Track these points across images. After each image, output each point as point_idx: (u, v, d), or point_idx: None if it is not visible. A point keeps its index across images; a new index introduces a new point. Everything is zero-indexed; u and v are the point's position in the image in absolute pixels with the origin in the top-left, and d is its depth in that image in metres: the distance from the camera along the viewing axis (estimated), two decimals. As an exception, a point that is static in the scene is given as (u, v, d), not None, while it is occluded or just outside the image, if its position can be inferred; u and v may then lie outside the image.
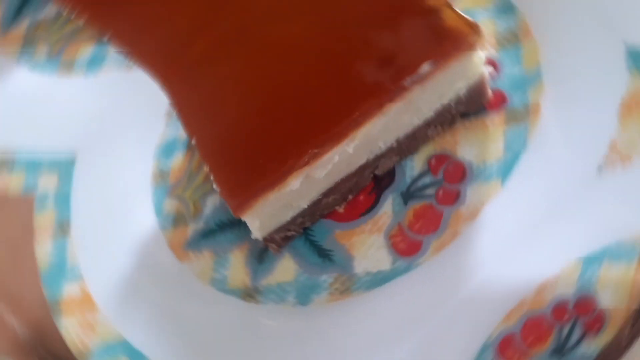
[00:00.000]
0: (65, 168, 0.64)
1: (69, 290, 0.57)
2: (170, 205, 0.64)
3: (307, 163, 0.48)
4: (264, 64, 0.51)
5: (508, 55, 0.56)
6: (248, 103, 0.50)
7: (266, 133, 0.49)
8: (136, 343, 0.53)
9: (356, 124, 0.48)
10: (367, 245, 0.53)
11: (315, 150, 0.47)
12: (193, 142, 0.52)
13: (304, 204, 0.53)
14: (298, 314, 0.52)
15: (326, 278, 0.53)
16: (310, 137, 0.48)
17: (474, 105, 0.54)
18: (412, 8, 0.49)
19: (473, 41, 0.47)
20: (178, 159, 0.67)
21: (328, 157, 0.49)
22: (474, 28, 0.46)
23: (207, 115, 0.51)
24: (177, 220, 0.63)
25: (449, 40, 0.47)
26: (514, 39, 0.57)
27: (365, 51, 0.49)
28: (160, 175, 0.66)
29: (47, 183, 0.64)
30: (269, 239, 0.54)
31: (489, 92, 0.54)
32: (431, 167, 0.54)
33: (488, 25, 0.59)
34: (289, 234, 0.55)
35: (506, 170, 0.51)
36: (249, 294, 0.55)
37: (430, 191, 0.53)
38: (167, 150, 0.67)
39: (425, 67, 0.47)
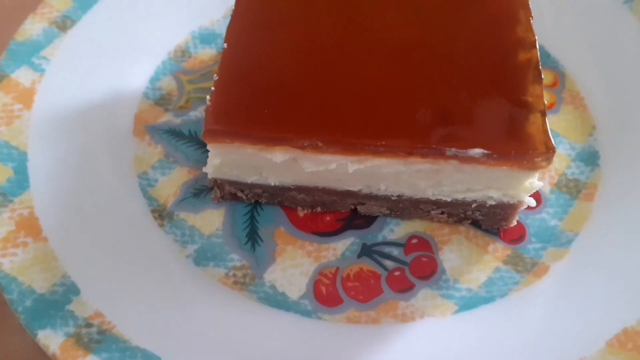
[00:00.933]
0: None
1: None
2: (167, 82, 0.59)
3: (303, 147, 0.41)
4: (343, 42, 0.46)
5: (557, 201, 0.50)
6: (302, 59, 0.45)
7: (293, 93, 0.43)
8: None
9: (374, 150, 0.41)
10: (294, 263, 0.47)
11: (319, 144, 0.41)
12: (225, 46, 0.46)
13: (272, 180, 0.46)
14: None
15: (234, 258, 0.47)
16: (325, 128, 0.41)
17: (491, 221, 0.48)
18: (508, 88, 0.43)
19: (539, 164, 0.41)
20: (207, 51, 0.61)
21: (326, 159, 0.42)
22: (549, 152, 0.40)
23: (255, 38, 0.45)
24: (161, 99, 0.57)
25: (518, 144, 0.41)
26: (574, 191, 0.51)
27: (440, 92, 0.43)
28: (182, 53, 0.60)
29: None
30: (218, 184, 0.48)
31: (514, 222, 0.48)
32: (408, 245, 0.48)
33: (561, 160, 0.52)
34: (239, 194, 0.49)
35: (468, 304, 0.45)
36: (161, 214, 0.50)
37: (389, 264, 0.47)
38: (206, 36, 0.61)
39: (476, 152, 0.40)
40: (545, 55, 0.60)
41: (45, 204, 0.47)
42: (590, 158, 0.53)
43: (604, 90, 0.56)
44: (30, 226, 0.46)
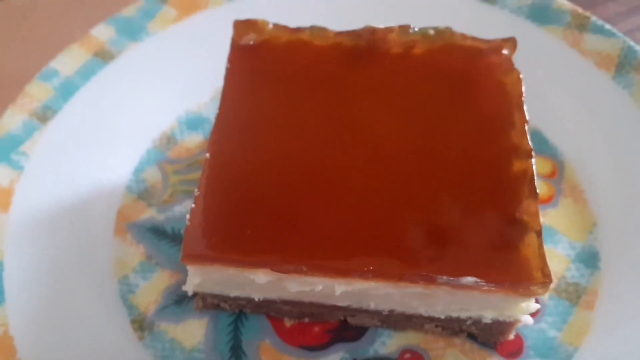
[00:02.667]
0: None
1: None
2: (152, 173, 0.57)
3: (286, 271, 0.39)
4: (330, 154, 0.44)
5: (556, 309, 0.48)
6: (287, 173, 0.43)
7: (277, 212, 0.41)
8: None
9: (362, 275, 0.39)
10: (280, 382, 0.45)
11: (304, 268, 0.39)
12: (207, 156, 0.44)
13: (256, 296, 0.44)
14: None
15: (217, 377, 0.45)
16: (310, 252, 0.39)
17: (487, 335, 0.45)
18: (502, 204, 0.41)
19: (535, 291, 0.38)
20: (194, 138, 0.59)
21: (311, 281, 0.40)
22: (546, 280, 0.38)
23: (239, 149, 0.43)
24: (145, 192, 0.55)
25: (512, 271, 0.38)
26: (574, 297, 0.48)
27: (430, 208, 0.41)
28: (167, 140, 0.58)
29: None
30: (200, 295, 0.46)
31: (511, 336, 0.45)
32: (400, 359, 0.46)
33: (560, 262, 0.50)
34: (222, 304, 0.46)
35: None
36: (141, 325, 0.47)
37: (380, 382, 0.45)
38: (193, 121, 0.59)
39: (469, 280, 0.38)
40: (543, 141, 0.58)
41: (21, 320, 0.45)
42: (590, 259, 0.50)
43: (606, 183, 0.54)
44: (4, 347, 0.43)
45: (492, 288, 0.39)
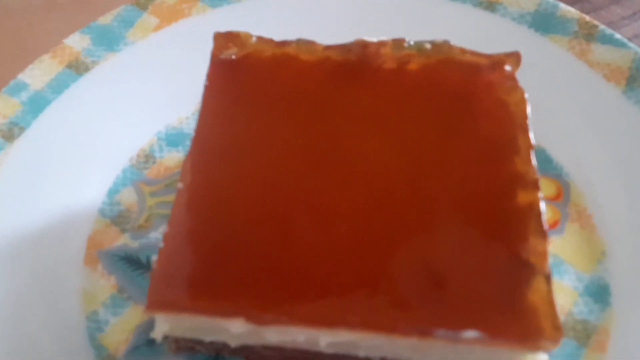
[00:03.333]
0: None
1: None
2: (127, 194, 0.53)
3: (264, 322, 0.35)
4: (313, 188, 0.40)
5: (564, 350, 0.44)
6: (265, 210, 0.38)
7: (254, 253, 0.37)
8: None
9: (348, 325, 0.35)
10: None
11: (285, 318, 0.35)
12: (180, 186, 0.40)
13: (233, 343, 0.40)
14: None
15: None
16: (290, 299, 0.35)
17: (488, 383, 0.41)
18: (506, 243, 0.37)
19: (544, 346, 0.34)
20: (174, 155, 0.55)
21: (292, 331, 0.36)
22: (557, 334, 0.34)
23: (213, 180, 0.39)
24: (119, 217, 0.51)
25: (519, 323, 0.34)
26: (583, 337, 0.44)
27: (426, 247, 0.37)
28: (145, 158, 0.54)
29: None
30: (171, 337, 0.42)
31: (514, 384, 0.41)
32: (392, 410, 0.41)
33: (566, 295, 0.46)
34: (197, 347, 0.42)
35: None
36: (111, 366, 0.43)
37: None
38: (173, 137, 0.55)
39: (470, 334, 0.34)
40: (547, 160, 0.54)
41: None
42: (600, 293, 0.46)
43: (616, 207, 0.50)
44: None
45: (496, 343, 0.34)
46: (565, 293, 0.47)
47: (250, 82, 0.46)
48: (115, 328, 0.45)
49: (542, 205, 0.39)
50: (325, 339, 0.36)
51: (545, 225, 0.38)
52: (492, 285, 0.36)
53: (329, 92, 0.46)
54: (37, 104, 0.54)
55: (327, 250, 0.37)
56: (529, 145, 0.41)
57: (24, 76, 0.55)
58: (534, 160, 0.41)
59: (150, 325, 0.45)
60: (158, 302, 0.36)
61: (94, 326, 0.45)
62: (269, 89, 0.46)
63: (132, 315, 0.46)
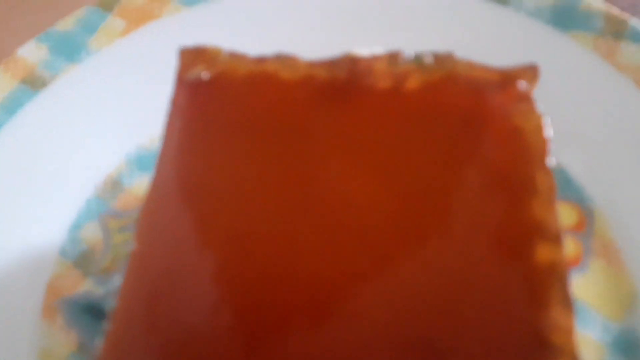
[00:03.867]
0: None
1: None
2: (91, 230, 0.47)
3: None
4: (290, 238, 0.33)
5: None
6: (234, 285, 0.32)
7: (215, 336, 0.30)
8: None
9: None
10: None
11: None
12: (134, 246, 0.34)
13: None
14: None
15: None
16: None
17: None
18: (517, 315, 0.31)
19: None
20: (144, 181, 0.49)
21: None
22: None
23: (181, 238, 0.33)
24: (81, 257, 0.45)
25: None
26: (610, 395, 0.38)
27: (422, 326, 0.31)
28: (112, 186, 0.48)
29: None
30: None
31: None
32: None
33: (591, 349, 0.41)
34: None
35: None
36: None
37: None
38: (144, 160, 0.49)
39: None
40: (566, 181, 0.47)
41: None
42: (631, 348, 0.40)
43: (647, 239, 0.43)
44: None
45: None
46: (591, 347, 0.40)
47: (221, 107, 0.40)
48: (74, 396, 0.40)
49: (565, 263, 0.32)
50: None
51: (572, 294, 0.31)
52: (503, 331, 0.29)
53: (313, 118, 0.39)
54: (-13, 128, 0.47)
55: (305, 329, 0.30)
56: (551, 186, 0.35)
57: (-29, 95, 0.48)
58: (556, 207, 0.34)
59: (113, 392, 0.39)
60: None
61: (50, 395, 0.40)
62: (242, 116, 0.39)
63: (94, 379, 0.40)
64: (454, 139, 0.38)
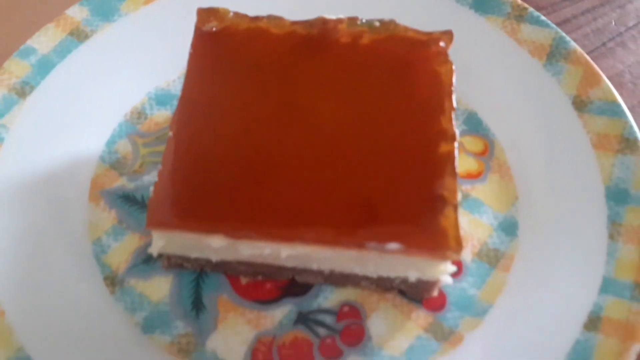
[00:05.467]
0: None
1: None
2: (123, 145, 0.62)
3: (238, 237, 0.46)
4: (280, 135, 0.50)
5: (477, 270, 0.55)
6: (240, 151, 0.49)
7: (230, 185, 0.47)
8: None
9: (303, 241, 0.46)
10: (235, 330, 0.52)
11: (253, 234, 0.45)
12: (170, 134, 0.50)
13: (214, 257, 0.51)
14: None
15: (179, 325, 0.52)
16: (258, 220, 0.46)
17: (414, 292, 0.53)
18: (427, 181, 0.48)
19: (449, 256, 0.45)
20: (163, 113, 0.65)
21: (259, 245, 0.47)
22: (458, 246, 0.45)
23: (198, 129, 0.49)
24: (116, 163, 0.61)
25: (431, 239, 0.45)
26: (494, 261, 0.56)
27: (364, 184, 0.48)
28: (138, 115, 0.63)
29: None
30: (165, 255, 0.52)
31: (435, 293, 0.52)
32: (340, 313, 0.53)
33: (484, 230, 0.57)
34: (185, 264, 0.53)
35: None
36: (113, 281, 0.54)
37: (321, 331, 0.52)
38: (161, 97, 0.65)
39: (393, 245, 0.45)
40: (478, 122, 0.64)
41: (2, 279, 0.51)
42: (510, 228, 0.57)
43: (529, 160, 0.61)
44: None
45: (414, 253, 0.46)
46: (483, 228, 0.58)
47: (228, 50, 0.56)
48: (116, 251, 0.55)
49: (457, 153, 0.49)
50: (285, 251, 0.47)
51: (457, 169, 0.48)
52: (413, 212, 0.46)
53: (295, 61, 0.55)
54: (44, 66, 0.62)
55: (289, 184, 0.47)
56: (452, 108, 0.52)
57: (32, 42, 0.63)
58: (454, 119, 0.51)
59: (146, 248, 0.55)
60: (155, 222, 0.46)
61: (99, 249, 0.55)
62: (244, 57, 0.55)
63: (131, 242, 0.56)
64: (392, 77, 0.55)
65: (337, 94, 0.53)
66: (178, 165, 0.47)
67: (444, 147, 0.50)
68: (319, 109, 0.52)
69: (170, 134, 0.50)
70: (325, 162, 0.48)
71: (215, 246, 0.47)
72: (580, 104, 0.61)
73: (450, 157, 0.49)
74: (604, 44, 0.79)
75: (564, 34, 0.65)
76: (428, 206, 0.47)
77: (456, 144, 0.50)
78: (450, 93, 0.53)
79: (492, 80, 0.66)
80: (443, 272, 0.49)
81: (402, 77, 0.54)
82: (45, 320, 0.49)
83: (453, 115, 0.51)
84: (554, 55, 0.64)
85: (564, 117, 0.62)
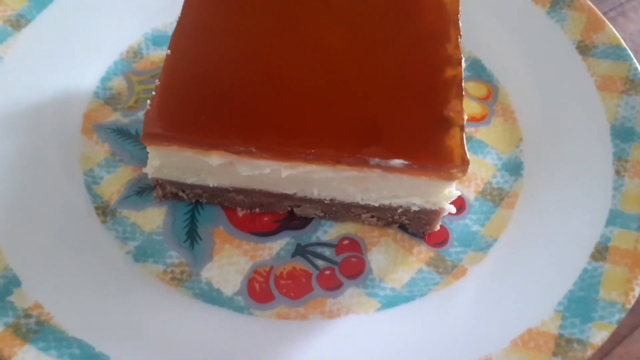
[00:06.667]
0: None
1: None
2: (118, 82, 0.61)
3: (237, 152, 0.44)
4: (281, 53, 0.49)
5: (481, 208, 0.54)
6: (240, 68, 0.47)
7: (230, 100, 0.46)
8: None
9: (304, 158, 0.44)
10: (231, 261, 0.50)
11: (253, 150, 0.44)
12: (168, 52, 0.48)
13: (211, 182, 0.49)
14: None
15: (173, 255, 0.50)
16: (259, 136, 0.44)
17: (416, 225, 0.51)
18: (433, 103, 0.46)
19: (455, 175, 0.44)
20: (159, 53, 0.63)
21: (260, 164, 0.45)
22: (464, 164, 0.43)
23: (197, 47, 0.48)
24: (111, 99, 0.59)
25: (437, 157, 0.44)
26: (497, 199, 0.54)
27: (368, 104, 0.46)
28: (134, 54, 0.62)
29: None
30: (159, 183, 0.51)
31: (437, 227, 0.51)
32: (339, 246, 0.51)
33: (487, 170, 0.56)
34: (180, 194, 0.51)
35: (390, 302, 0.48)
36: (104, 211, 0.52)
37: (320, 263, 0.50)
38: (158, 38, 0.63)
39: (397, 162, 0.43)
40: (481, 68, 0.63)
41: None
42: (514, 168, 0.56)
43: (533, 104, 0.60)
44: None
45: (418, 171, 0.44)
46: (487, 168, 0.57)
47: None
48: (108, 182, 0.54)
49: (462, 75, 0.48)
50: (285, 171, 0.45)
51: (463, 91, 0.47)
52: (419, 131, 0.45)
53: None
54: (41, 0, 0.61)
55: (290, 101, 0.45)
56: (458, 34, 0.51)
57: (29, -24, 0.62)
58: (460, 44, 0.50)
59: (139, 180, 0.54)
60: (152, 135, 0.44)
61: (90, 180, 0.53)
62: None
63: (124, 173, 0.54)
64: (396, 6, 0.53)
65: (340, 17, 0.52)
66: (176, 80, 0.46)
67: (449, 71, 0.49)
68: (322, 32, 0.51)
69: (169, 52, 0.48)
70: (328, 82, 0.47)
71: (214, 164, 0.45)
72: (584, 49, 0.61)
73: (456, 80, 0.48)
74: (605, 13, 0.79)
75: (566, -18, 0.64)
76: (434, 126, 0.45)
77: (462, 68, 0.49)
78: (456, 21, 0.52)
79: (495, 27, 0.65)
80: (447, 198, 0.47)
81: (406, 7, 0.53)
82: (34, 242, 0.48)
83: (459, 40, 0.50)
84: (558, 2, 0.63)
85: (568, 61, 0.61)
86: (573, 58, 0.61)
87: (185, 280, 0.49)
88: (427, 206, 0.48)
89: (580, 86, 0.59)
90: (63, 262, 0.48)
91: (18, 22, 0.59)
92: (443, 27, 0.51)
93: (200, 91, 0.46)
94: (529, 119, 0.60)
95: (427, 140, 0.44)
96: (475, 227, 0.53)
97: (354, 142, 0.44)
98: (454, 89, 0.47)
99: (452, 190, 0.46)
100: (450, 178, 0.44)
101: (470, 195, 0.55)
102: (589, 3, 0.63)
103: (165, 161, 0.47)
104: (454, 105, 0.46)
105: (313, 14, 0.51)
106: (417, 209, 0.49)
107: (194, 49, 0.48)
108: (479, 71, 0.63)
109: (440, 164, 0.43)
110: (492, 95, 0.62)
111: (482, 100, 0.61)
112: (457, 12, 0.52)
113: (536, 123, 0.59)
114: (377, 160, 0.43)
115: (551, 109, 0.59)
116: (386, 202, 0.49)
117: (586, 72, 0.59)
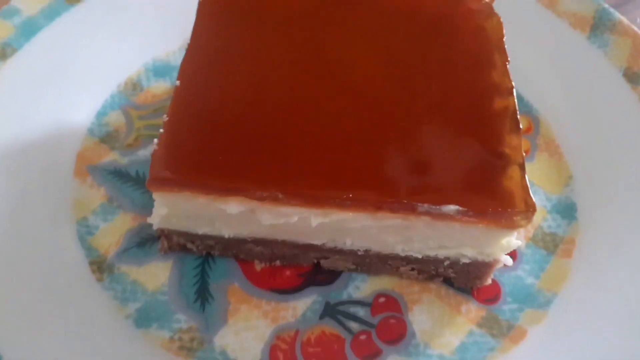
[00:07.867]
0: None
1: None
2: (115, 117, 0.54)
3: (260, 198, 0.37)
4: (306, 83, 0.42)
5: (533, 257, 0.47)
6: (261, 100, 0.41)
7: (251, 138, 0.39)
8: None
9: (340, 204, 0.37)
10: (249, 325, 0.43)
11: (280, 195, 0.37)
12: (177, 83, 0.42)
13: (227, 232, 0.42)
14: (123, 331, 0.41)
15: (181, 319, 0.42)
16: (286, 178, 0.37)
17: (464, 279, 0.44)
18: (484, 138, 0.40)
19: (518, 223, 0.37)
20: (161, 85, 0.57)
21: (286, 211, 0.38)
22: (529, 210, 0.37)
23: (211, 77, 0.41)
24: (107, 136, 0.52)
25: (495, 201, 0.37)
26: (551, 246, 0.48)
27: (411, 140, 0.39)
28: (133, 86, 0.55)
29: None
30: (165, 234, 0.43)
31: (489, 280, 0.44)
32: (375, 304, 0.44)
33: (538, 213, 0.49)
34: (189, 245, 0.44)
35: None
36: (100, 267, 0.44)
37: (354, 326, 0.43)
38: (160, 69, 0.57)
39: (450, 208, 0.36)
40: (518, 98, 0.56)
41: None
42: (567, 210, 0.50)
43: (580, 137, 0.54)
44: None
45: (474, 219, 0.37)
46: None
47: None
48: (105, 232, 0.46)
49: (515, 106, 0.42)
50: (316, 219, 0.38)
51: (519, 123, 0.41)
52: (472, 172, 0.38)
53: (318, 9, 0.48)
54: (29, 28, 0.54)
55: (320, 139, 0.39)
56: (505, 60, 0.45)
57: (16, 2, 0.55)
58: (509, 72, 0.44)
59: (140, 230, 0.46)
60: (160, 179, 0.37)
61: (84, 230, 0.46)
62: (260, 4, 0.47)
63: (122, 222, 0.47)
64: (432, 31, 0.47)
65: (370, 47, 0.46)
66: (187, 115, 0.39)
67: (499, 102, 0.42)
68: (349, 57, 0.45)
69: (178, 83, 0.41)
70: (363, 116, 0.40)
71: (232, 212, 0.38)
72: (632, 76, 0.55)
73: (509, 111, 0.41)
74: None
75: (606, 5, 0.59)
76: (489, 165, 0.39)
77: (514, 98, 0.42)
78: (501, 46, 0.46)
79: (532, 55, 0.59)
80: (504, 249, 0.40)
81: (443, 32, 0.47)
82: (21, 307, 0.40)
83: (507, 67, 0.44)
84: (598, 27, 0.58)
85: (615, 90, 0.55)
86: (621, 86, 0.55)
87: (196, 350, 0.41)
88: (480, 258, 0.41)
89: (632, 118, 0.53)
90: (52, 330, 0.40)
91: (3, 52, 0.53)
92: (486, 52, 0.45)
93: (215, 128, 0.39)
94: (577, 154, 0.53)
95: (482, 182, 0.38)
96: (529, 280, 0.46)
97: (398, 185, 0.37)
98: (507, 121, 0.41)
99: (512, 240, 0.39)
100: (511, 226, 0.38)
101: (520, 242, 0.47)
102: (633, 27, 0.58)
103: (175, 209, 0.40)
104: (509, 141, 0.40)
105: (340, 38, 0.45)
106: (467, 261, 0.42)
107: (206, 79, 0.41)
108: (518, 103, 0.56)
109: (501, 210, 0.36)
110: (533, 128, 0.55)
111: (523, 134, 0.54)
112: (501, 37, 0.46)
113: (586, 159, 0.53)
114: (426, 206, 0.37)
115: (601, 142, 0.53)
116: (431, 253, 0.42)
117: (638, 103, 0.53)
